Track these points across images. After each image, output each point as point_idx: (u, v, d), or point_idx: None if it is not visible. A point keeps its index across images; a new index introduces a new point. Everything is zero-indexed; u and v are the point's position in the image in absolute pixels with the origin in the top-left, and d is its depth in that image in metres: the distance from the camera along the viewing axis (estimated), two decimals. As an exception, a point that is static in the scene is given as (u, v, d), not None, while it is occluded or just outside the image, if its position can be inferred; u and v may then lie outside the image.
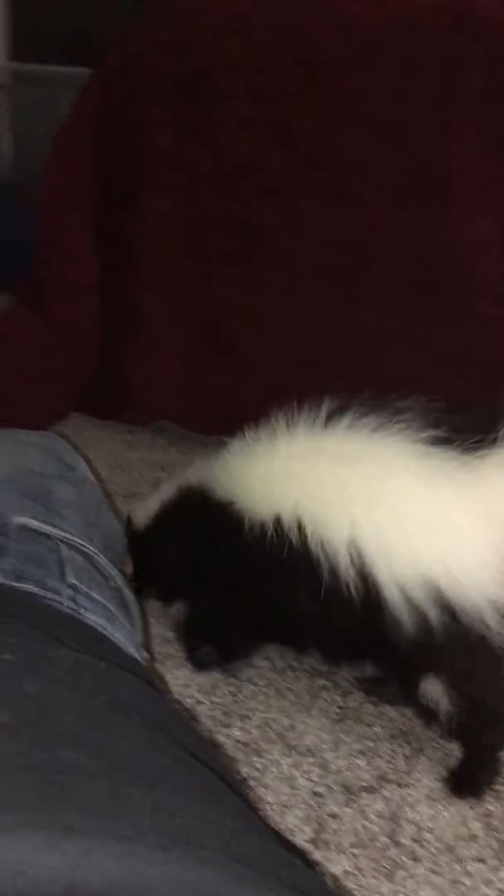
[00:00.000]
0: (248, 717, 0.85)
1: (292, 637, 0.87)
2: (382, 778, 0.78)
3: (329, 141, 1.19)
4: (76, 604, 0.57)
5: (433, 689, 0.74)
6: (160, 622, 0.96)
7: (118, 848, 0.26)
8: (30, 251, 1.41)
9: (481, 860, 0.71)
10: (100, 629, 0.56)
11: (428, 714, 0.77)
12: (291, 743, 0.82)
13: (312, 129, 1.20)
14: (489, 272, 1.15)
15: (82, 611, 0.57)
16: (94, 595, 0.60)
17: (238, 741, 0.81)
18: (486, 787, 0.77)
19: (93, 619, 0.57)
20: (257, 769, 0.78)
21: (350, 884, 0.68)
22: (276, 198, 1.24)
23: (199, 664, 0.91)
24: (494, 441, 0.72)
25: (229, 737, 0.82)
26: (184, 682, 0.89)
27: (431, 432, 0.72)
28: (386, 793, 0.77)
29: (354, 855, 0.70)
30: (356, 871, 0.69)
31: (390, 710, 0.86)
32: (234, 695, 0.88)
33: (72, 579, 0.59)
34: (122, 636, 0.59)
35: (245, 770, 0.78)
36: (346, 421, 0.76)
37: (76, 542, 0.63)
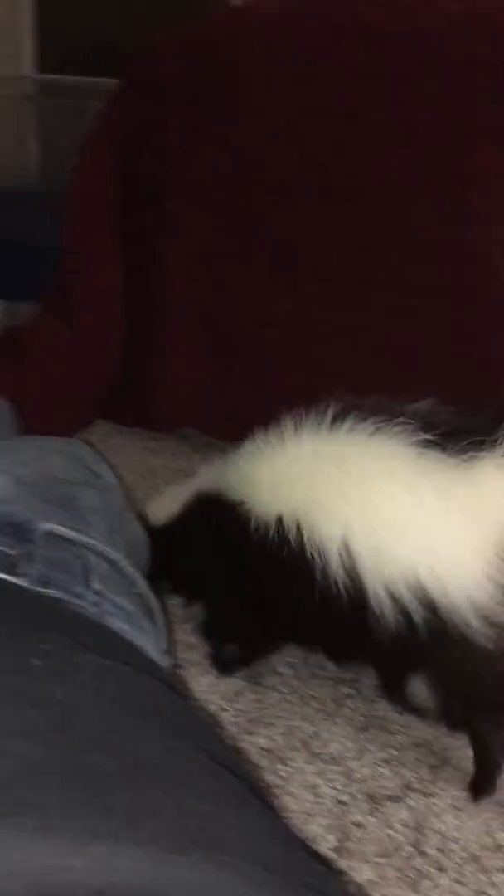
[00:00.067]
0: (272, 725, 0.85)
1: (298, 636, 0.89)
2: (407, 787, 0.78)
3: (352, 149, 1.20)
4: (101, 609, 0.58)
5: (419, 687, 0.77)
6: (184, 628, 0.96)
7: (144, 852, 0.26)
8: (56, 259, 1.43)
9: (507, 871, 0.70)
10: (124, 635, 0.56)
11: (416, 711, 0.81)
12: (315, 751, 0.81)
13: (335, 138, 1.21)
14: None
15: (107, 616, 0.58)
16: (119, 601, 0.60)
17: (262, 748, 0.81)
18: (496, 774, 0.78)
19: (117, 624, 0.57)
20: (281, 777, 0.78)
21: (374, 893, 0.68)
22: (299, 205, 1.25)
23: (223, 668, 0.91)
24: (488, 444, 0.74)
25: (253, 744, 0.82)
26: (208, 688, 0.89)
27: (425, 435, 0.75)
28: (411, 802, 0.76)
29: (378, 864, 0.70)
30: (380, 881, 0.68)
31: (415, 720, 0.86)
32: (258, 702, 0.88)
33: (97, 585, 0.59)
34: (147, 642, 0.60)
35: (269, 777, 0.78)
36: (347, 424, 0.78)
37: (101, 548, 0.63)
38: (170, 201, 1.33)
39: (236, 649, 0.92)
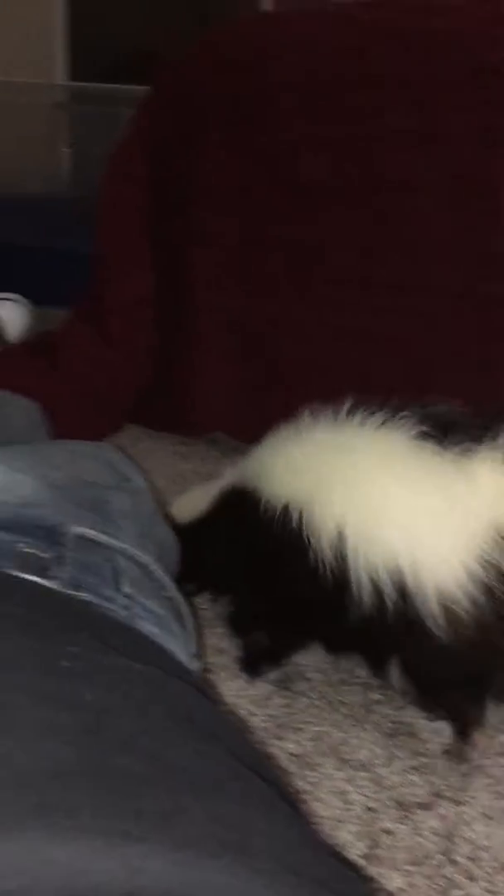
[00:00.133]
0: (301, 730, 0.84)
1: (303, 624, 0.91)
2: (437, 795, 0.77)
3: (380, 155, 1.19)
4: (131, 613, 0.58)
5: (394, 672, 0.81)
6: (213, 632, 0.96)
7: (174, 855, 0.26)
8: (87, 265, 1.44)
9: (539, 881, 0.69)
10: (154, 638, 0.56)
11: (402, 694, 0.84)
12: (345, 757, 0.81)
13: (364, 144, 1.20)
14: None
15: (137, 620, 0.58)
16: (149, 605, 0.61)
17: (291, 754, 0.81)
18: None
19: (147, 628, 0.58)
20: (310, 783, 0.78)
21: (404, 901, 0.67)
22: (327, 212, 1.25)
23: (251, 669, 0.92)
24: (486, 440, 0.76)
25: (282, 749, 0.82)
26: (237, 692, 0.89)
27: (424, 429, 0.78)
28: (441, 810, 0.76)
29: (409, 872, 0.69)
30: (410, 889, 0.68)
31: (445, 727, 0.85)
32: (288, 707, 0.88)
33: (127, 589, 0.59)
34: (176, 646, 0.60)
35: (298, 783, 0.78)
36: (355, 418, 0.82)
37: (132, 552, 0.63)
38: (198, 208, 1.33)
39: (263, 638, 0.93)
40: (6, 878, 0.24)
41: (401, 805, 0.76)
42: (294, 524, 0.81)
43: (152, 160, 1.36)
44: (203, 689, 0.46)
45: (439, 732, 0.84)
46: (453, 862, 0.70)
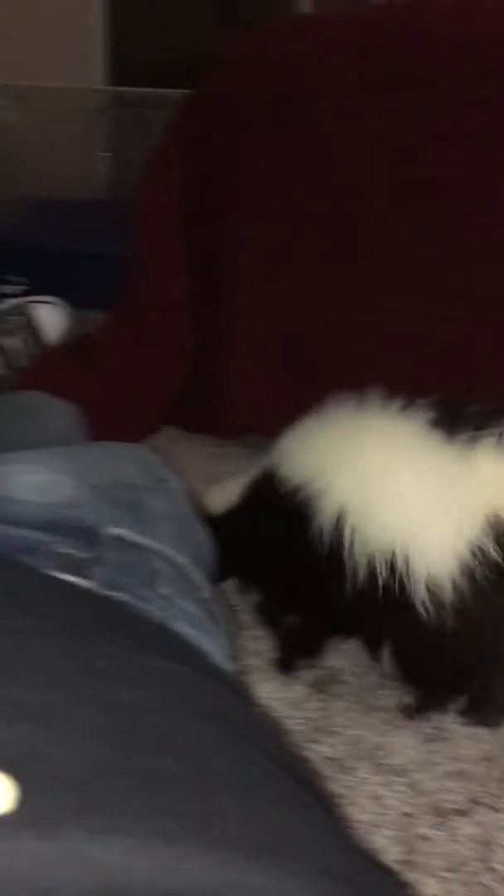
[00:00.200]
0: (337, 734, 0.84)
1: (312, 607, 0.92)
2: (474, 801, 0.76)
3: (423, 156, 1.19)
4: (167, 613, 0.58)
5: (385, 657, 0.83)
6: (248, 634, 0.96)
7: (211, 856, 0.26)
8: (125, 269, 1.45)
9: None
10: (190, 639, 0.57)
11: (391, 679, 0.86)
12: (380, 761, 0.80)
13: (407, 144, 1.20)
14: None
15: (172, 621, 0.58)
16: (185, 605, 0.61)
17: (326, 757, 0.81)
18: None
19: (183, 628, 0.58)
20: (345, 786, 0.78)
21: (440, 908, 0.66)
22: (370, 216, 1.24)
23: (285, 663, 0.92)
24: (495, 431, 0.78)
25: (317, 752, 0.81)
26: (272, 695, 0.89)
27: (436, 418, 0.80)
28: (478, 816, 0.75)
29: (445, 879, 0.69)
30: (447, 895, 0.67)
31: (483, 732, 0.84)
32: (323, 710, 0.87)
33: (163, 590, 0.60)
34: (212, 647, 0.60)
35: (333, 787, 0.77)
36: (375, 407, 0.85)
37: (168, 553, 0.64)
38: (234, 212, 1.33)
39: (293, 626, 0.94)
40: (43, 876, 0.24)
41: (437, 811, 0.75)
42: (303, 504, 0.84)
43: (190, 163, 1.37)
44: (239, 690, 0.46)
45: (477, 738, 0.83)
46: (490, 869, 0.70)
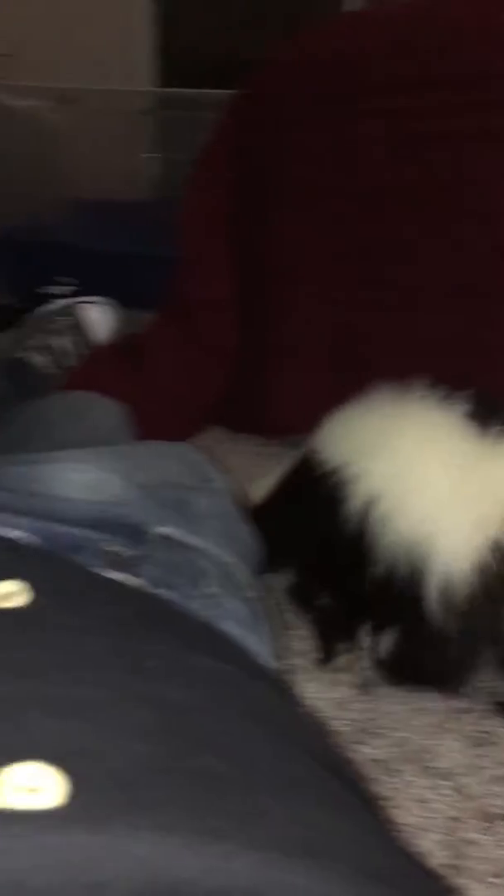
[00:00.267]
0: (382, 736, 0.83)
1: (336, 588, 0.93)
2: (522, 807, 0.75)
3: (474, 157, 1.17)
4: (213, 612, 0.58)
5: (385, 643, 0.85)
6: (293, 634, 0.96)
7: (256, 855, 0.26)
8: (172, 269, 1.46)
9: None
10: (235, 638, 0.57)
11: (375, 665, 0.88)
12: (427, 765, 0.80)
13: (456, 142, 1.19)
14: None
15: (218, 619, 0.58)
16: (230, 604, 0.61)
17: (371, 759, 0.80)
18: None
19: (229, 627, 0.58)
20: (391, 789, 0.77)
21: (487, 914, 0.66)
22: (420, 216, 1.24)
23: (325, 649, 0.92)
24: None
25: (363, 754, 0.81)
26: (317, 695, 0.89)
27: (472, 412, 0.82)
28: (526, 822, 0.74)
29: (493, 884, 0.68)
30: (494, 902, 0.67)
31: (531, 737, 0.83)
32: (369, 711, 0.87)
33: (209, 588, 0.60)
34: (257, 646, 0.60)
35: (379, 789, 0.77)
36: (416, 397, 0.86)
37: (214, 552, 0.64)
38: (281, 212, 1.33)
39: (328, 608, 0.94)
40: (92, 871, 0.24)
41: (485, 815, 0.74)
42: (337, 488, 0.85)
43: (236, 163, 1.37)
44: (284, 690, 0.46)
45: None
46: (539, 876, 0.69)
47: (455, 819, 0.74)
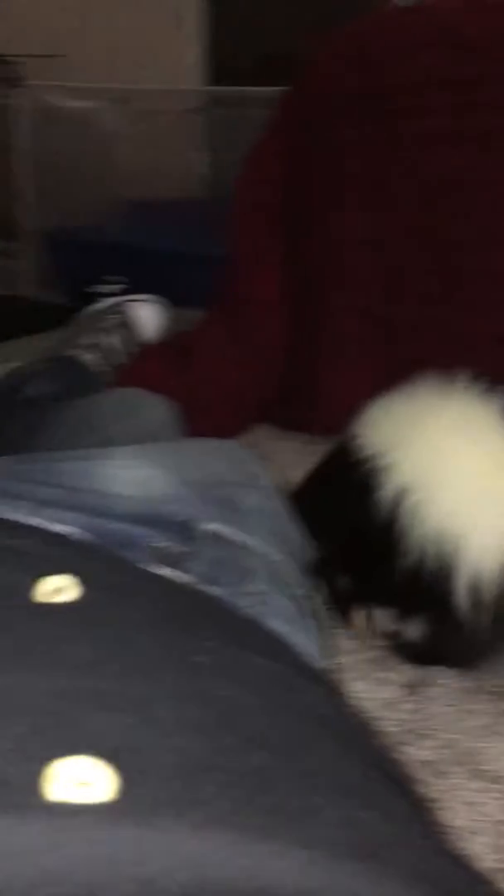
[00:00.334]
0: (431, 737, 0.82)
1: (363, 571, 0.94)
2: None
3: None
4: (261, 609, 0.58)
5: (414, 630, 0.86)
6: (340, 632, 0.96)
7: (305, 854, 0.26)
8: (222, 267, 1.46)
9: None
10: (283, 636, 0.56)
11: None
12: (476, 767, 0.79)
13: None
14: None
15: (266, 617, 0.58)
16: (278, 602, 0.61)
17: (419, 760, 0.80)
18: None
19: (276, 625, 0.58)
20: (440, 791, 0.76)
21: (539, 920, 0.64)
22: (474, 212, 1.22)
23: (342, 615, 0.93)
24: None
25: (411, 755, 0.80)
26: (364, 695, 0.88)
27: None
28: None
29: (543, 890, 0.67)
30: (546, 908, 0.65)
31: None
32: (417, 712, 0.86)
33: (257, 585, 0.60)
34: (304, 644, 0.60)
35: (427, 791, 0.76)
36: (460, 387, 0.86)
37: (261, 549, 0.64)
38: (332, 208, 1.33)
39: (348, 584, 0.95)
40: (141, 865, 0.24)
41: (535, 821, 0.73)
42: (370, 475, 0.85)
43: (287, 160, 1.37)
44: (334, 689, 0.45)
45: None
46: None
47: (505, 823, 0.73)
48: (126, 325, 1.58)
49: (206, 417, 1.30)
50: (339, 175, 1.32)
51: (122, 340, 1.56)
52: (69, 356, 1.48)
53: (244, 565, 0.61)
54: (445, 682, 0.89)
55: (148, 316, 1.61)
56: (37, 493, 0.58)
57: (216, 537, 0.61)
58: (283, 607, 0.61)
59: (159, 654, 0.35)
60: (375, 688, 0.89)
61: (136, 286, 1.81)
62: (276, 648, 0.50)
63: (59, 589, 0.38)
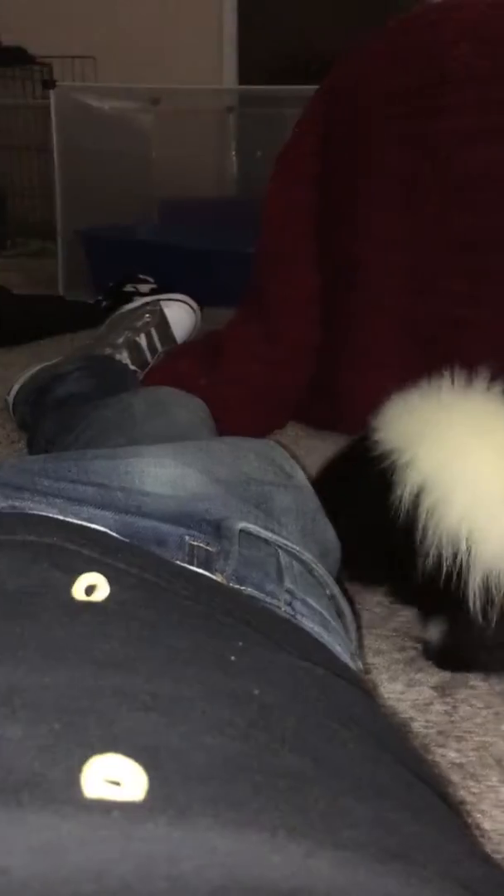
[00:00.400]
0: (464, 739, 0.82)
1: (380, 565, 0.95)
2: None
3: None
4: (293, 609, 0.58)
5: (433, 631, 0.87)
6: (372, 633, 0.95)
7: (339, 855, 0.26)
8: (254, 266, 1.46)
9: None
10: (316, 636, 0.56)
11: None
12: (509, 770, 0.78)
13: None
14: None
15: (299, 616, 0.58)
16: (311, 602, 0.61)
17: (452, 763, 0.79)
18: None
19: (309, 625, 0.58)
20: (473, 794, 0.75)
21: None
22: (500, 207, 1.21)
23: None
24: None
25: (443, 757, 0.80)
26: (396, 696, 0.88)
27: None
28: None
29: None
30: None
31: None
32: (450, 714, 0.85)
33: (289, 585, 0.60)
34: (338, 645, 0.59)
35: (460, 794, 0.75)
36: (480, 386, 0.86)
37: (294, 548, 0.64)
38: (367, 205, 1.32)
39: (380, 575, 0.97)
40: (174, 864, 0.24)
41: None
42: (387, 472, 0.86)
43: (320, 158, 1.36)
44: (368, 690, 0.45)
45: None
46: None
47: (539, 828, 0.72)
48: (158, 325, 1.58)
49: (236, 416, 1.30)
50: (371, 174, 1.31)
51: (153, 339, 1.56)
52: (102, 355, 1.49)
53: (276, 565, 0.61)
54: (478, 685, 0.89)
55: (179, 315, 1.62)
56: (69, 492, 0.59)
57: (248, 536, 0.60)
58: (315, 607, 0.61)
59: (191, 653, 0.35)
60: (407, 689, 0.89)
61: (168, 285, 1.81)
62: (309, 648, 0.50)
63: (92, 587, 0.39)
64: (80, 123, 2.57)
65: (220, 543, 0.58)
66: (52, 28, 3.51)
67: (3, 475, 0.59)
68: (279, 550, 0.62)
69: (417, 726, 0.83)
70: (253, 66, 3.58)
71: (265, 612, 0.52)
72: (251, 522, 0.61)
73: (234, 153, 2.93)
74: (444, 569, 0.80)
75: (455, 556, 0.79)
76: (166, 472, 0.63)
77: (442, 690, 0.88)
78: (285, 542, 0.62)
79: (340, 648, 0.58)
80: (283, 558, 0.62)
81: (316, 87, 1.42)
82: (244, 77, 3.58)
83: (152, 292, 1.86)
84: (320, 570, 0.65)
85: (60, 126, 2.48)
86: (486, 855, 0.37)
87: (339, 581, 0.71)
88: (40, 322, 2.09)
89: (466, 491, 0.80)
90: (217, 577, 0.54)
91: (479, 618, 0.79)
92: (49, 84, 2.55)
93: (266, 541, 0.61)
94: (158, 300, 1.64)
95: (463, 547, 0.78)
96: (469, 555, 0.78)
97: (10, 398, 1.47)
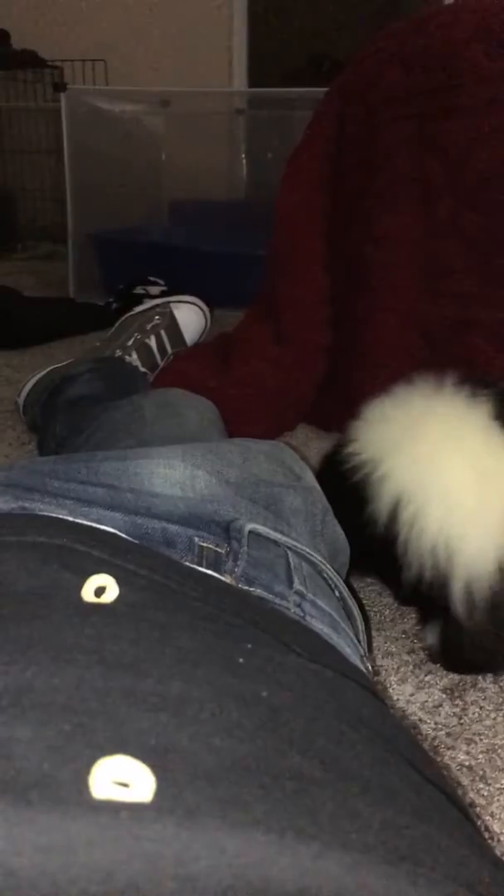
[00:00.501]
0: (474, 742, 0.82)
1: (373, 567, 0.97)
2: None
3: None
4: (302, 610, 0.58)
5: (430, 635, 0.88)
6: (381, 635, 0.95)
7: (348, 858, 0.26)
8: (264, 268, 1.46)
9: None
10: (325, 637, 0.56)
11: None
12: (520, 773, 0.78)
13: None
14: None
15: (308, 618, 0.58)
16: (320, 603, 0.61)
17: (462, 765, 0.79)
18: None
19: (318, 627, 0.58)
20: (483, 796, 0.75)
21: None
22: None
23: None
24: None
25: (453, 760, 0.79)
26: (406, 698, 0.87)
27: (498, 412, 0.80)
28: None
29: None
30: None
31: None
32: (460, 717, 0.85)
33: (298, 586, 0.60)
34: (347, 646, 0.59)
35: (470, 796, 0.75)
36: (448, 391, 0.86)
37: (303, 550, 0.64)
38: (376, 208, 1.32)
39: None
40: (184, 864, 0.25)
41: None
42: (362, 485, 0.86)
43: (332, 159, 1.36)
44: (377, 693, 0.45)
45: None
46: None
47: (550, 831, 0.72)
48: (168, 327, 1.59)
49: (246, 418, 1.30)
50: (382, 175, 1.31)
51: (163, 341, 1.57)
52: (112, 357, 1.49)
53: (285, 566, 0.61)
54: (487, 687, 0.88)
55: (189, 317, 1.62)
56: (79, 493, 0.59)
57: (257, 537, 0.60)
58: (324, 609, 0.61)
59: (200, 655, 0.35)
60: (417, 691, 0.88)
61: (177, 287, 1.82)
62: (318, 650, 0.50)
63: (101, 588, 0.39)
64: (90, 126, 2.58)
65: (230, 545, 0.58)
66: (63, 31, 3.52)
67: (14, 476, 0.60)
68: (288, 552, 0.62)
69: (427, 728, 0.83)
70: (263, 68, 3.58)
71: (274, 614, 0.52)
72: (260, 524, 0.61)
73: (244, 155, 2.94)
74: (427, 579, 0.80)
75: (436, 566, 0.79)
76: (176, 474, 0.63)
77: (451, 693, 0.88)
78: (294, 543, 0.62)
79: (350, 650, 0.58)
80: (293, 559, 0.61)
81: (326, 88, 1.42)
82: (254, 79, 3.58)
83: (162, 294, 1.86)
84: (329, 571, 0.65)
85: (71, 129, 2.49)
86: (496, 857, 0.36)
87: (347, 582, 0.70)
88: (51, 324, 2.09)
89: (442, 502, 0.80)
90: (226, 579, 0.54)
91: (467, 622, 0.80)
92: (60, 87, 2.56)
93: (275, 542, 0.61)
94: (168, 302, 1.64)
95: (442, 557, 0.79)
96: (449, 564, 0.78)
97: (21, 400, 1.47)
